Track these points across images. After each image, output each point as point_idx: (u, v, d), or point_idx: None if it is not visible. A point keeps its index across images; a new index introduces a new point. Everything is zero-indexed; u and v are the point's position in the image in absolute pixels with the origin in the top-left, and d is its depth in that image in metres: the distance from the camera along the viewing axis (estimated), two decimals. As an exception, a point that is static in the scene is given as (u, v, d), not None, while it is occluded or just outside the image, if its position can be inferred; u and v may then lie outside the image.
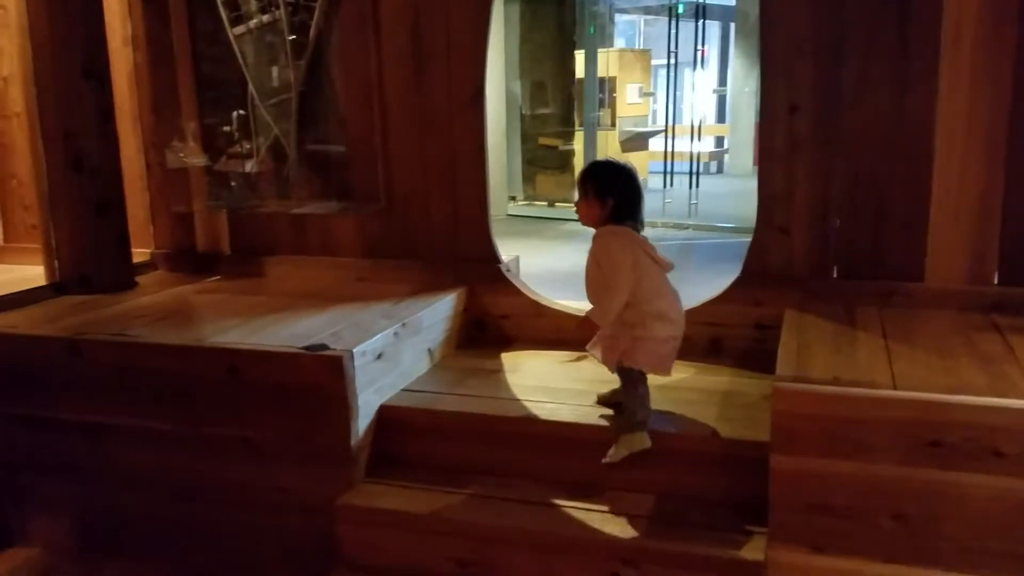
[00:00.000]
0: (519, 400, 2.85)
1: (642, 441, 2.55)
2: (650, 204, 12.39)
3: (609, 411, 2.72)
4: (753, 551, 2.29)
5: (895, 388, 2.23)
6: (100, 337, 2.87)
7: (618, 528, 2.41)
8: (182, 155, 3.72)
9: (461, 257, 3.51)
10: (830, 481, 2.24)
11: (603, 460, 2.56)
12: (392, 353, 2.90)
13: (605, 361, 2.64)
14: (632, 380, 2.60)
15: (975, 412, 2.11)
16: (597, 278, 2.62)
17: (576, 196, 2.73)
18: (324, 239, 3.70)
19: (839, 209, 3.07)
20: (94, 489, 2.97)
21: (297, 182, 3.66)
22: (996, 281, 2.93)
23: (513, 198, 11.09)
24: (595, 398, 2.80)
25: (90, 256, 3.43)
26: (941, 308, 2.94)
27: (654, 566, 2.33)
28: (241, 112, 3.66)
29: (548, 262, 6.70)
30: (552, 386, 2.92)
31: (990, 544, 2.15)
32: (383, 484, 2.69)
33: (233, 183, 3.78)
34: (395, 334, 2.92)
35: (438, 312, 3.27)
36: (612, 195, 2.61)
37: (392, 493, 2.64)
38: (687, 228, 10.17)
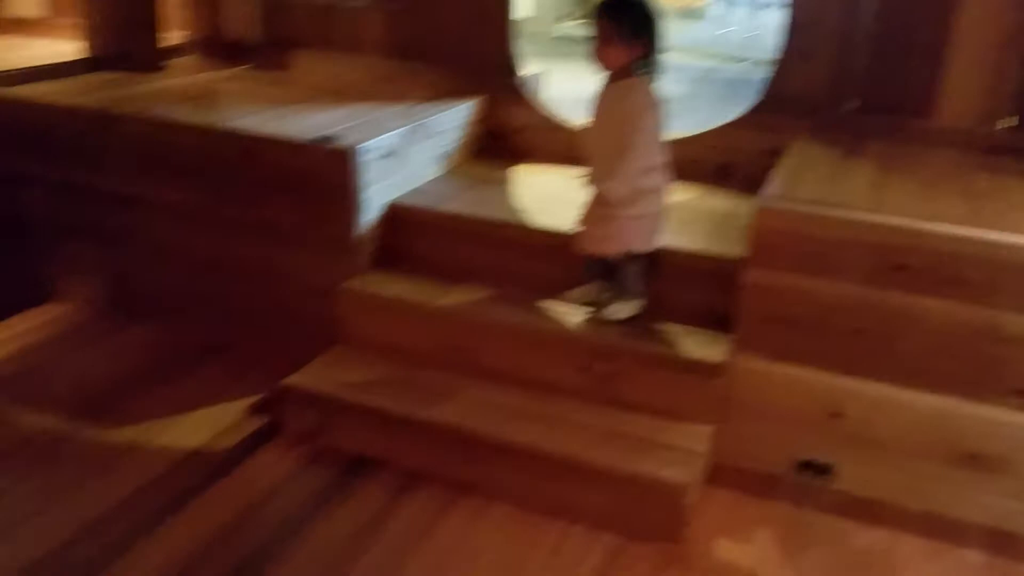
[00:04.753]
0: (522, 209, 2.96)
1: (641, 306, 2.58)
2: (705, 33, 11.92)
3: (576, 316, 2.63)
4: (716, 354, 2.45)
5: (872, 213, 2.30)
6: (128, 112, 3.01)
7: (596, 328, 2.57)
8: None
9: (484, 64, 3.51)
10: (798, 296, 2.35)
11: (602, 314, 2.57)
12: (402, 153, 3.00)
13: (603, 249, 2.50)
14: (628, 260, 2.52)
15: (942, 240, 2.19)
16: (613, 137, 2.39)
17: (597, 35, 2.38)
18: (353, 35, 3.71)
19: (864, 39, 3.02)
20: (124, 255, 3.21)
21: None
22: (1006, 124, 2.90)
23: (564, 17, 10.75)
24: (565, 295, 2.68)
25: (125, 35, 3.53)
26: (949, 147, 2.93)
27: (623, 361, 2.50)
28: None
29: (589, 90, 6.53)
30: (556, 198, 3.00)
31: (941, 364, 2.28)
32: (385, 274, 2.86)
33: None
34: (406, 135, 3.01)
35: (453, 119, 3.33)
36: (646, 35, 2.36)
37: (393, 283, 2.82)
38: (741, 61, 9.85)
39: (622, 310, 2.58)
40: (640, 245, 2.53)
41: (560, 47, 10.03)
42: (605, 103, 2.48)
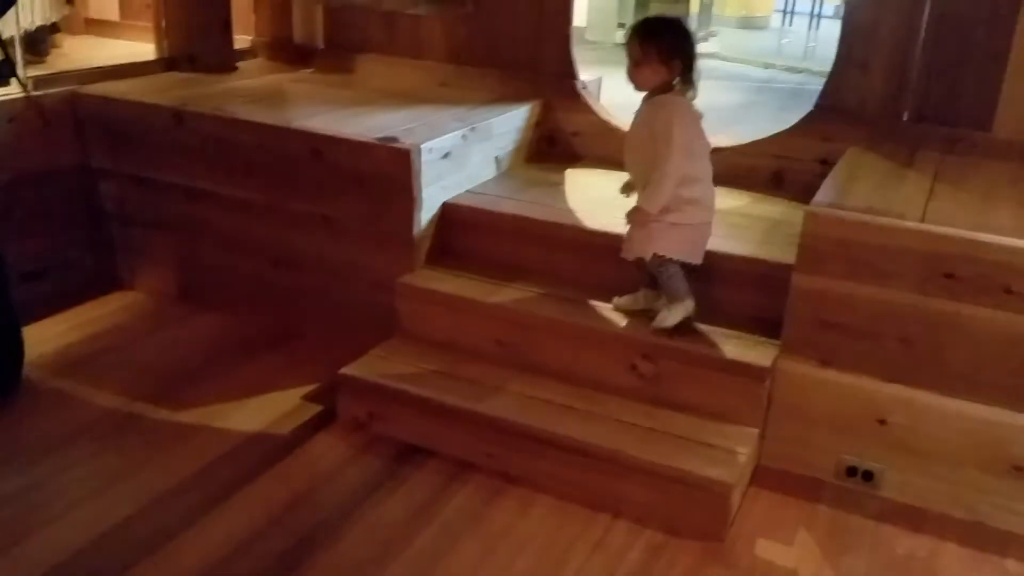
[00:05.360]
0: (573, 210, 3.02)
1: (690, 306, 2.58)
2: (766, 43, 11.87)
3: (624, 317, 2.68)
4: (763, 358, 2.49)
5: (922, 222, 2.32)
6: (201, 109, 3.16)
7: (643, 328, 2.62)
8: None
9: (540, 70, 3.59)
10: (845, 302, 2.39)
11: (652, 325, 2.57)
12: (459, 154, 3.09)
13: (640, 251, 2.54)
14: (663, 264, 2.54)
15: (990, 250, 2.21)
16: (648, 152, 2.46)
17: (630, 57, 2.47)
18: (413, 41, 3.82)
19: (921, 50, 3.03)
20: (193, 246, 3.36)
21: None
22: (1065, 138, 2.90)
23: (623, 25, 10.81)
24: (613, 302, 2.71)
25: (197, 37, 3.69)
26: (1005, 160, 2.93)
27: (669, 362, 2.55)
28: None
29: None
30: (607, 201, 3.04)
31: (987, 374, 2.30)
32: (440, 270, 2.96)
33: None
34: (463, 136, 3.10)
35: (510, 122, 3.41)
36: (680, 57, 2.44)
37: (447, 279, 2.90)
38: (801, 72, 9.80)
39: (668, 318, 2.59)
40: (676, 253, 2.55)
41: (619, 54, 10.11)
42: (640, 120, 2.56)
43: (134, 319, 3.30)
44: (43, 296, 3.13)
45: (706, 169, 2.57)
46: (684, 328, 2.58)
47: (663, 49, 2.43)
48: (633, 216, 2.54)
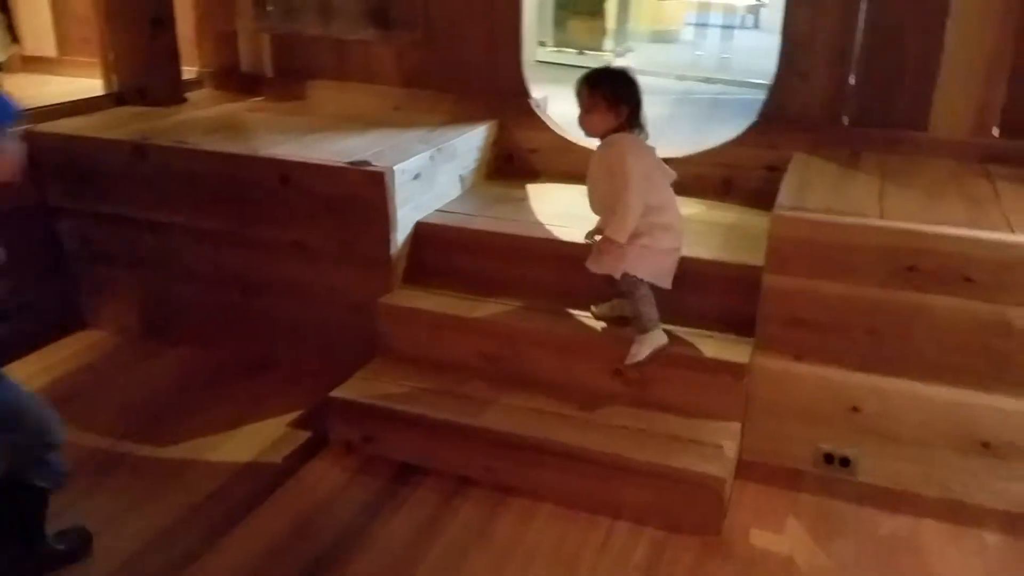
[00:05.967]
0: (542, 224, 3.10)
1: (660, 337, 2.63)
2: (681, 57, 12.10)
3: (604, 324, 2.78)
4: (740, 356, 2.60)
5: (881, 219, 2.47)
6: (163, 143, 3.13)
7: (623, 335, 2.70)
8: (227, -27, 3.82)
9: (494, 91, 3.66)
10: (815, 298, 2.52)
11: (626, 362, 2.62)
12: (428, 175, 3.14)
13: (610, 269, 2.61)
14: (634, 284, 2.61)
15: (950, 241, 2.36)
16: (608, 189, 2.57)
17: (580, 105, 2.59)
18: (364, 66, 3.85)
19: (857, 57, 3.21)
20: (158, 281, 3.31)
21: (338, 5, 3.78)
22: (996, 134, 3.10)
23: (543, 43, 10.97)
24: (592, 310, 2.81)
25: (146, 69, 3.65)
26: (942, 157, 3.12)
27: (652, 364, 2.64)
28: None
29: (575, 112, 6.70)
30: (573, 213, 3.12)
31: (952, 359, 2.45)
32: (418, 289, 2.99)
33: (270, 7, 3.91)
34: (431, 158, 3.16)
35: (471, 141, 3.48)
36: (625, 102, 2.57)
37: (427, 297, 2.95)
38: (717, 83, 10.12)
39: (639, 353, 2.62)
40: (646, 274, 2.61)
41: (543, 71, 10.25)
42: (596, 161, 2.67)
43: (103, 358, 3.24)
44: (6, 340, 3.03)
45: (670, 197, 2.67)
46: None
47: (609, 97, 2.56)
48: (602, 245, 2.62)
